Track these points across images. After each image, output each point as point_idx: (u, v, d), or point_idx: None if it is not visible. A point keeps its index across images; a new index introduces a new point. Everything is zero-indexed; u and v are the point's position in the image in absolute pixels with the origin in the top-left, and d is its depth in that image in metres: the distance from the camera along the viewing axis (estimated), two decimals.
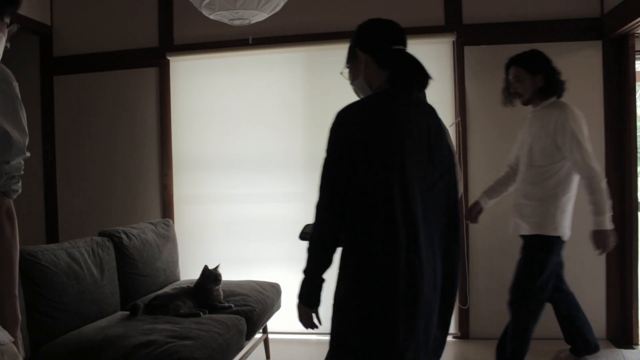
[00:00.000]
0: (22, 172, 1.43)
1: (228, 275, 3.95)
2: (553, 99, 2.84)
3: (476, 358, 3.35)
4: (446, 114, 3.63)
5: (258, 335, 3.33)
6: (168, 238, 3.42)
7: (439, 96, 3.58)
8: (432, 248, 1.66)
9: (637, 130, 3.50)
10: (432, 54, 3.68)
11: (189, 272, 3.88)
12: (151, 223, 3.41)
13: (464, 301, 3.59)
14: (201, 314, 2.74)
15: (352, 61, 1.81)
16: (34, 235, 4.07)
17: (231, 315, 2.81)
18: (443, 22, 3.69)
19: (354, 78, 1.81)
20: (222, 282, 3.03)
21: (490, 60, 3.63)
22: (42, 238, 4.12)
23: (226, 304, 2.96)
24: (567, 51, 3.57)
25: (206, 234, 4.03)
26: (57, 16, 4.17)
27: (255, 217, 3.94)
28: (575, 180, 2.80)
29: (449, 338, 3.32)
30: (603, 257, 3.53)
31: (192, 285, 2.99)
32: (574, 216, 3.56)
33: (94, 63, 4.10)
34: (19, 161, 1.42)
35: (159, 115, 4.02)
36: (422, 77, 1.73)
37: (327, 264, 1.71)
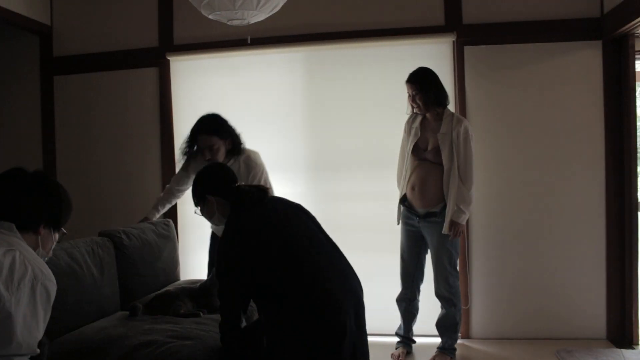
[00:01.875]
0: None
1: None
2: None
3: (476, 358, 3.36)
4: None
5: None
6: (168, 238, 3.41)
7: None
8: (339, 267, 2.21)
9: (637, 130, 3.50)
10: (432, 54, 3.68)
11: (190, 273, 3.88)
12: (151, 223, 3.39)
13: (464, 301, 3.59)
14: (201, 314, 2.73)
15: (204, 204, 2.33)
16: None
17: None
18: (443, 22, 3.69)
19: (211, 215, 2.32)
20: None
21: (490, 60, 3.64)
22: None
23: None
24: (567, 51, 3.57)
25: (207, 235, 4.01)
26: (57, 16, 4.17)
27: None
28: None
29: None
30: (603, 257, 3.54)
31: (192, 285, 2.97)
32: (574, 216, 3.57)
33: (94, 63, 4.09)
34: None
35: (159, 115, 4.02)
36: (258, 192, 2.28)
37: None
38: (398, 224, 3.38)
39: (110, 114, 4.08)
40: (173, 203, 3.49)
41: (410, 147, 3.27)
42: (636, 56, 3.49)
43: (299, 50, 3.86)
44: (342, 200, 3.84)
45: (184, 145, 3.23)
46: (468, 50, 3.64)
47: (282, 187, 3.90)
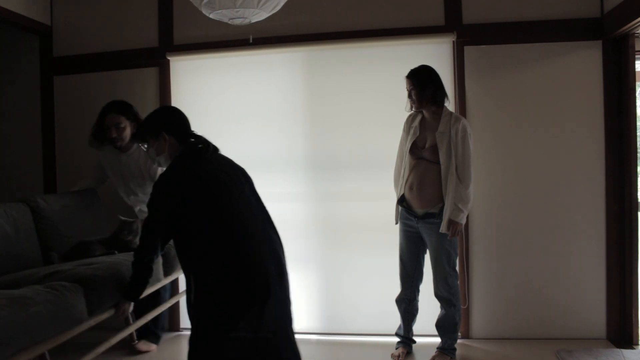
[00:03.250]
0: None
1: None
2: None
3: (476, 358, 3.35)
4: None
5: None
6: (92, 205, 3.57)
7: None
8: (267, 233, 2.31)
9: (637, 130, 3.50)
10: (432, 54, 3.68)
11: None
12: (74, 192, 3.58)
13: (463, 301, 3.59)
14: (116, 252, 2.96)
15: (156, 140, 2.39)
16: None
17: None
18: (443, 22, 3.69)
19: (159, 153, 2.39)
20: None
21: (490, 60, 3.64)
22: None
23: None
24: (567, 51, 3.57)
25: None
26: (57, 16, 4.17)
27: None
28: None
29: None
30: (603, 257, 3.54)
31: (105, 235, 3.17)
32: (574, 216, 3.57)
33: (94, 63, 4.09)
34: None
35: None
36: (212, 146, 2.40)
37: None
38: (396, 223, 3.38)
39: None
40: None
41: (408, 145, 3.27)
42: (636, 56, 3.49)
43: (299, 50, 3.86)
44: (342, 200, 3.84)
45: (93, 127, 3.46)
46: (468, 50, 3.64)
47: (282, 186, 3.91)
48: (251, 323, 2.11)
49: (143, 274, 2.35)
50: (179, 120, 2.44)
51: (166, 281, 3.17)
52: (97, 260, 2.73)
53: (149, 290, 2.86)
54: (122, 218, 3.14)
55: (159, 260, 3.05)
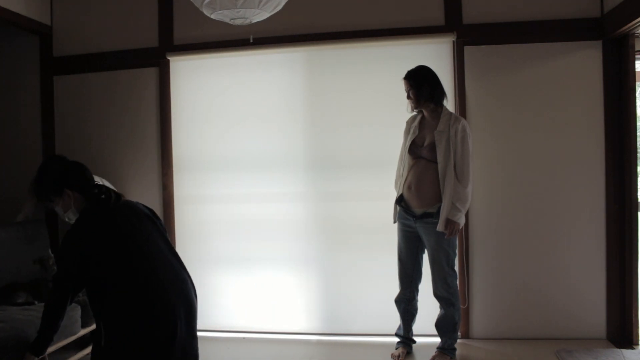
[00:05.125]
0: None
1: (228, 275, 3.96)
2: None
3: (476, 358, 3.35)
4: None
5: None
6: (37, 239, 3.53)
7: None
8: (178, 276, 2.29)
9: (637, 130, 3.50)
10: (432, 54, 3.68)
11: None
12: (20, 223, 3.53)
13: (462, 300, 3.60)
14: (35, 302, 2.97)
15: (61, 198, 2.34)
16: None
17: None
18: (443, 22, 3.69)
19: (66, 209, 2.35)
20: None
21: (490, 60, 3.64)
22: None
23: None
24: (567, 51, 3.57)
25: (206, 234, 4.02)
26: (57, 16, 4.17)
27: (256, 217, 3.94)
28: None
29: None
30: (603, 257, 3.54)
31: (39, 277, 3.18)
32: (574, 216, 3.57)
33: (94, 63, 4.09)
34: None
35: (159, 115, 4.02)
36: (115, 194, 2.36)
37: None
38: (394, 222, 3.39)
39: (110, 114, 4.08)
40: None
41: (407, 144, 3.28)
42: (636, 56, 3.49)
43: (299, 50, 3.86)
44: (342, 200, 3.84)
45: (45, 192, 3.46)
46: (468, 50, 3.64)
47: (282, 186, 3.92)
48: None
49: (49, 328, 2.29)
50: (78, 173, 2.41)
51: (84, 331, 3.14)
52: (6, 317, 2.69)
53: (63, 343, 2.92)
54: (49, 251, 3.17)
55: (77, 312, 3.07)
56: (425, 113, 3.27)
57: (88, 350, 3.24)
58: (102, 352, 2.18)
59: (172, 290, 2.23)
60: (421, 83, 3.18)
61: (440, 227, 3.10)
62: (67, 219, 2.37)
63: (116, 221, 2.28)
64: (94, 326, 3.15)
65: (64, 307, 2.25)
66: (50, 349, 2.73)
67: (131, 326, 2.14)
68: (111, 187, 3.40)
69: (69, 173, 2.40)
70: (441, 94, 3.22)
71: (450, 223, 3.10)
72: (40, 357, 2.30)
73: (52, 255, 3.17)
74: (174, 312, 2.18)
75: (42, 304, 2.92)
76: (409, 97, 3.25)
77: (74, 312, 2.96)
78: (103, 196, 2.32)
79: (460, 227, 3.16)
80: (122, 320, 2.15)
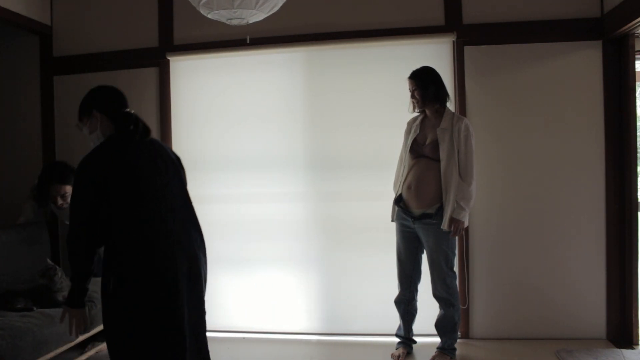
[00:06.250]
0: None
1: (228, 274, 3.96)
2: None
3: (476, 358, 3.35)
4: None
5: None
6: (38, 242, 3.53)
7: None
8: (186, 231, 2.25)
9: (637, 130, 3.50)
10: (432, 54, 3.68)
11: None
12: (22, 226, 3.52)
13: (462, 300, 3.59)
14: (34, 308, 2.92)
15: (89, 118, 2.31)
16: None
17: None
18: (443, 22, 3.69)
19: (92, 131, 2.30)
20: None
21: (490, 60, 3.64)
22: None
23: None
24: (567, 51, 3.56)
25: (206, 234, 3.99)
26: (57, 16, 4.17)
27: (256, 217, 3.94)
28: None
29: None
30: (603, 257, 3.54)
31: (38, 283, 3.12)
32: (574, 216, 3.57)
33: (94, 63, 4.10)
34: None
35: (159, 115, 4.02)
36: (144, 127, 2.29)
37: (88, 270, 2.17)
38: (392, 221, 3.38)
39: None
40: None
41: (409, 143, 3.27)
42: (636, 56, 3.49)
43: (298, 50, 3.86)
44: (342, 200, 3.84)
45: (34, 193, 3.46)
46: (468, 50, 3.64)
47: (282, 186, 3.92)
48: (160, 320, 2.11)
49: (78, 277, 2.15)
50: (111, 97, 2.34)
51: (82, 337, 3.01)
52: (4, 324, 2.66)
53: (62, 349, 2.81)
54: (48, 262, 3.14)
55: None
56: (428, 113, 3.27)
57: (88, 354, 3.24)
58: (108, 299, 2.12)
59: (177, 244, 2.17)
60: (427, 83, 3.19)
61: (444, 226, 3.10)
62: (92, 144, 2.29)
63: (137, 157, 2.19)
64: (93, 331, 3.13)
65: (88, 250, 2.12)
66: (49, 355, 2.72)
67: (135, 273, 2.08)
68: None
69: (100, 93, 2.35)
70: (445, 94, 3.23)
71: (454, 222, 3.10)
72: (80, 308, 2.18)
73: (53, 264, 3.14)
74: (176, 266, 2.13)
75: (42, 310, 2.91)
76: (413, 96, 3.25)
77: None
78: (132, 127, 2.22)
79: (465, 226, 3.16)
80: (125, 264, 2.08)
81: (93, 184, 2.08)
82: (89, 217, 2.09)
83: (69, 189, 3.33)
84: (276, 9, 2.51)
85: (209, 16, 2.53)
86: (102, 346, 3.46)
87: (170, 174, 2.27)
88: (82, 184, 2.13)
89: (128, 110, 2.30)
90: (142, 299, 2.09)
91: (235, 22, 2.49)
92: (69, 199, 3.34)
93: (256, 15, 2.46)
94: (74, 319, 2.18)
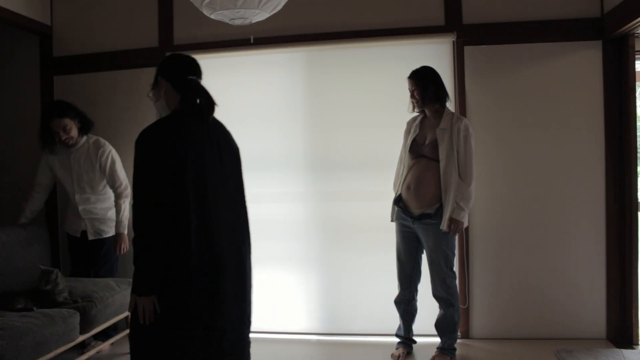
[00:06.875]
0: None
1: None
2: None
3: (476, 358, 3.35)
4: None
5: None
6: (38, 241, 3.53)
7: None
8: (233, 233, 2.12)
9: (637, 130, 3.50)
10: (432, 54, 3.68)
11: None
12: (21, 226, 3.53)
13: (462, 300, 3.60)
14: (34, 308, 2.92)
15: (156, 86, 2.18)
16: None
17: (64, 310, 2.94)
18: (443, 22, 3.69)
19: (156, 99, 2.18)
20: (80, 280, 3.40)
21: (490, 60, 3.64)
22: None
23: (69, 300, 3.08)
24: (567, 51, 3.57)
25: None
26: (57, 16, 4.17)
27: (256, 217, 3.92)
28: None
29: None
30: (603, 257, 3.54)
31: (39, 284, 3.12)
32: (574, 216, 3.57)
33: (94, 63, 4.09)
34: None
35: (159, 116, 4.01)
36: (208, 99, 2.15)
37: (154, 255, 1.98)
38: (392, 221, 3.39)
39: (110, 114, 4.07)
40: (40, 201, 3.71)
41: (408, 143, 3.28)
42: (636, 56, 3.49)
43: (299, 50, 3.86)
44: (342, 200, 3.84)
45: (40, 132, 3.52)
46: (468, 50, 3.64)
47: (282, 186, 3.91)
48: (198, 315, 1.99)
49: (144, 263, 1.94)
50: (177, 63, 2.18)
51: (82, 338, 3.04)
52: (4, 324, 2.65)
53: (61, 350, 2.77)
54: (42, 267, 3.13)
55: (75, 319, 2.90)
56: (428, 113, 3.27)
57: (88, 354, 3.24)
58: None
59: (222, 244, 2.04)
60: (427, 83, 3.19)
61: (444, 226, 3.10)
62: (160, 114, 2.18)
63: (194, 139, 2.02)
64: (93, 332, 3.12)
65: (154, 229, 1.92)
66: (49, 355, 2.71)
67: (170, 270, 1.96)
68: (113, 161, 3.59)
69: (168, 59, 2.20)
70: (445, 94, 3.23)
71: (454, 222, 3.10)
72: (147, 296, 1.97)
73: (49, 268, 3.13)
74: (218, 259, 2.01)
75: (42, 310, 2.89)
76: (413, 96, 3.25)
77: (73, 318, 2.91)
78: (196, 101, 2.07)
79: (465, 226, 3.16)
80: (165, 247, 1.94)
81: (152, 155, 1.96)
82: (153, 188, 1.92)
83: (68, 121, 3.46)
84: (279, 8, 2.51)
85: (212, 16, 2.53)
86: (103, 346, 3.47)
87: (223, 162, 2.13)
88: (140, 155, 1.98)
89: (192, 77, 2.16)
90: (177, 304, 1.98)
91: (238, 22, 2.49)
92: (71, 132, 3.48)
93: (259, 15, 2.46)
94: (143, 308, 1.96)
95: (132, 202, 1.97)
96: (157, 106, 2.19)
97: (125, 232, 3.63)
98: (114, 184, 3.59)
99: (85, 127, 3.57)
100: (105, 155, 3.57)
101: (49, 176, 3.67)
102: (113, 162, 3.60)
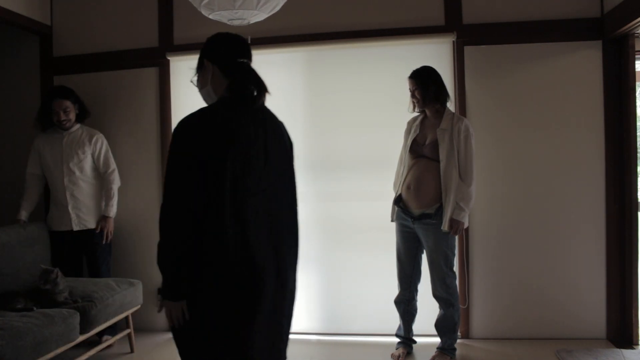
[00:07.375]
0: None
1: None
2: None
3: (476, 358, 3.35)
4: None
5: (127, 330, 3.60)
6: (37, 240, 3.53)
7: None
8: (274, 243, 1.87)
9: (637, 130, 3.50)
10: (432, 54, 3.68)
11: None
12: (21, 225, 3.54)
13: (462, 300, 3.60)
14: (34, 308, 2.92)
15: (200, 70, 1.94)
16: None
17: (64, 310, 2.94)
18: (443, 22, 3.69)
19: (202, 86, 1.94)
20: (80, 280, 3.42)
21: (490, 60, 3.64)
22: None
23: (70, 300, 3.09)
24: (567, 51, 3.57)
25: None
26: (57, 16, 4.17)
27: None
28: None
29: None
30: (603, 257, 3.54)
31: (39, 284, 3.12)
32: (574, 216, 3.57)
33: (94, 63, 4.09)
34: None
35: (159, 115, 4.02)
36: (259, 85, 1.89)
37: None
38: (392, 221, 3.39)
39: (110, 113, 4.08)
40: (35, 193, 3.74)
41: (409, 143, 3.28)
42: (636, 56, 3.49)
43: (299, 50, 3.86)
44: (342, 200, 3.84)
45: (39, 111, 3.67)
46: (468, 50, 3.64)
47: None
48: (224, 342, 1.79)
49: (171, 264, 1.75)
50: (224, 43, 1.94)
51: (82, 338, 3.01)
52: (11, 319, 2.66)
53: (61, 350, 2.76)
54: (43, 267, 3.14)
55: (75, 319, 2.88)
56: (428, 113, 3.27)
57: (88, 354, 3.24)
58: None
59: (262, 253, 1.81)
60: (428, 83, 3.19)
61: (445, 227, 3.10)
62: (205, 100, 1.97)
63: (243, 136, 1.77)
64: (93, 332, 3.13)
65: (184, 227, 1.71)
66: (49, 355, 2.72)
67: (207, 276, 1.75)
68: (106, 151, 3.76)
69: (213, 38, 1.97)
70: (446, 94, 3.23)
71: (454, 223, 3.10)
72: (176, 301, 1.79)
73: (50, 267, 3.13)
74: (259, 267, 1.78)
75: (42, 310, 2.90)
76: (413, 96, 3.25)
77: (73, 318, 2.90)
78: (247, 91, 1.83)
79: (465, 227, 3.16)
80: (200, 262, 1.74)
81: (189, 149, 1.73)
82: (186, 187, 1.71)
83: (69, 104, 3.61)
84: (277, 8, 2.51)
85: (211, 17, 2.53)
86: (113, 340, 3.55)
87: (279, 167, 1.91)
88: (177, 146, 1.76)
89: (243, 60, 1.91)
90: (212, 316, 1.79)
91: (236, 22, 2.49)
92: (69, 115, 3.62)
93: (257, 16, 2.46)
94: (172, 313, 1.79)
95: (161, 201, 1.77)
96: (202, 93, 1.96)
97: (113, 217, 3.71)
98: (107, 169, 3.74)
99: (82, 114, 3.74)
100: (100, 142, 3.74)
101: (39, 165, 3.71)
102: (107, 149, 3.78)
